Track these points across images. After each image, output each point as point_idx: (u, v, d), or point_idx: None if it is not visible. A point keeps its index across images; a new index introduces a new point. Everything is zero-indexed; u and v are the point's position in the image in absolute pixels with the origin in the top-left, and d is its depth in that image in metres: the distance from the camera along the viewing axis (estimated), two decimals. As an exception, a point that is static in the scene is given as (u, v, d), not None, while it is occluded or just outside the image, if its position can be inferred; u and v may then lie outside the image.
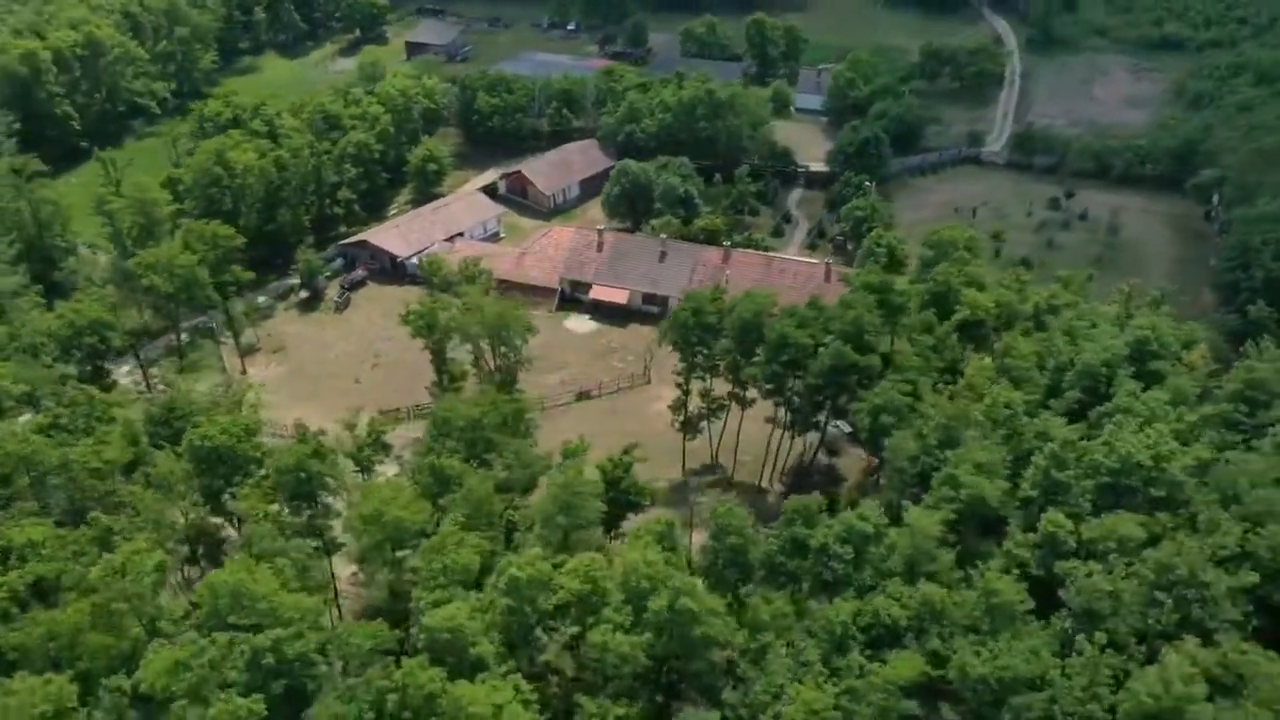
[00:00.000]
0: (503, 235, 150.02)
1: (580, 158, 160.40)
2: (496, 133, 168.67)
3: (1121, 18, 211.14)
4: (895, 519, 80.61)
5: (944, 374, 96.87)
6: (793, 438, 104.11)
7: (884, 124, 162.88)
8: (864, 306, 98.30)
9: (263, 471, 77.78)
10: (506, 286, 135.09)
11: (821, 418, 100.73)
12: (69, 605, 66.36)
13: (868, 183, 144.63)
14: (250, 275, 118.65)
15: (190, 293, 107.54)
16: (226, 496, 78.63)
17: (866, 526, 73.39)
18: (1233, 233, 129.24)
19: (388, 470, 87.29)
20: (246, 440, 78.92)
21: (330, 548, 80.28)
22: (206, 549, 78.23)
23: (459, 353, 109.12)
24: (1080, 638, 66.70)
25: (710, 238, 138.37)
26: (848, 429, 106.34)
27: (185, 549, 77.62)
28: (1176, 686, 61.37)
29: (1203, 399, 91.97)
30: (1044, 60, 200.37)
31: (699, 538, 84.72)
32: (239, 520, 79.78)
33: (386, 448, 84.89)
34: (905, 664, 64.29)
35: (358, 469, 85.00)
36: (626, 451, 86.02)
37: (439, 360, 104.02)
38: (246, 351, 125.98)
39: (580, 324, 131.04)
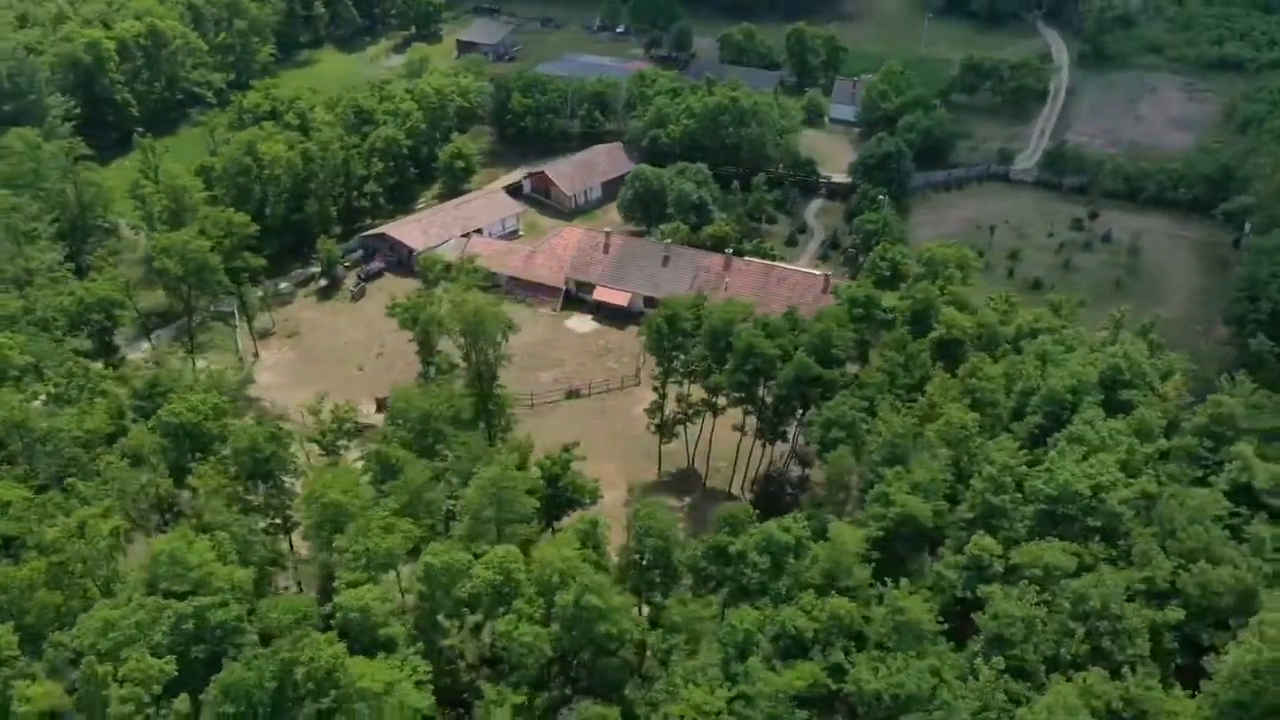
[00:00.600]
0: (521, 233, 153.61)
1: (605, 160, 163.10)
2: (529, 132, 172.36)
3: (1180, 35, 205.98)
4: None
5: (912, 391, 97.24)
6: (764, 446, 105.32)
7: (912, 137, 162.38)
8: (834, 320, 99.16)
9: (225, 450, 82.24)
10: (515, 284, 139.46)
11: (789, 428, 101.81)
12: (26, 563, 71.36)
13: (881, 196, 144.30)
14: (263, 262, 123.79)
15: (201, 277, 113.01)
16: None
17: (787, 538, 74.70)
18: (1246, 263, 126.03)
19: (353, 455, 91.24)
20: (214, 419, 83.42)
21: (290, 526, 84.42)
22: (174, 519, 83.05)
23: (453, 346, 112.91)
24: (978, 661, 67.15)
25: (718, 244, 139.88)
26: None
27: (156, 518, 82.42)
28: (1059, 717, 61.62)
29: (1171, 431, 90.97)
30: (1093, 77, 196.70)
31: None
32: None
33: (350, 433, 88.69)
34: (797, 673, 65.54)
35: (324, 452, 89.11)
36: (566, 449, 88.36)
37: (425, 352, 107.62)
38: (262, 335, 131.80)
39: (581, 324, 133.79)
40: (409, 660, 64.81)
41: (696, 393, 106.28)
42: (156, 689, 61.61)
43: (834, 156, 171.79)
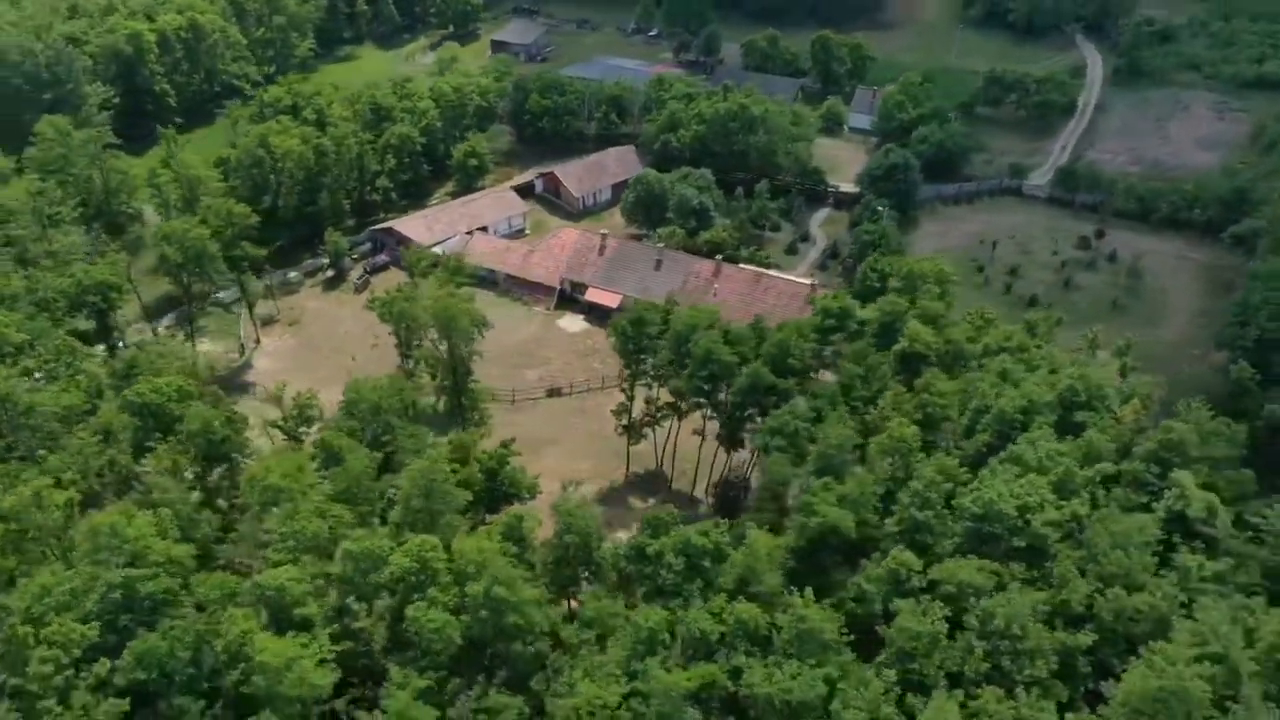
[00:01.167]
0: (528, 232, 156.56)
1: (616, 163, 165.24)
2: (546, 133, 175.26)
3: (1220, 52, 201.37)
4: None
5: (868, 404, 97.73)
6: (726, 451, 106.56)
7: (925, 149, 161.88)
8: (794, 331, 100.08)
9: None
10: (513, 282, 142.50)
11: (747, 435, 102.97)
12: (-21, 530, 75.89)
13: (879, 207, 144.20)
14: (262, 252, 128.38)
15: (200, 264, 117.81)
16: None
17: (704, 542, 76.17)
18: (1240, 288, 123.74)
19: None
20: (177, 401, 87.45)
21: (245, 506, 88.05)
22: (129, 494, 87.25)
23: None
24: (870, 673, 68.01)
25: (714, 250, 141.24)
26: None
27: (115, 492, 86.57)
28: (938, 732, 62.40)
29: (1125, 455, 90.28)
30: (1125, 93, 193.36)
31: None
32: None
33: (310, 420, 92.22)
34: (689, 674, 67.06)
35: (286, 437, 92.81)
36: (504, 445, 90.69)
37: (404, 346, 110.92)
38: (266, 321, 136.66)
39: (572, 323, 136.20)
40: (318, 639, 67.73)
41: (665, 396, 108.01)
42: (76, 652, 65.36)
43: (848, 165, 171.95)
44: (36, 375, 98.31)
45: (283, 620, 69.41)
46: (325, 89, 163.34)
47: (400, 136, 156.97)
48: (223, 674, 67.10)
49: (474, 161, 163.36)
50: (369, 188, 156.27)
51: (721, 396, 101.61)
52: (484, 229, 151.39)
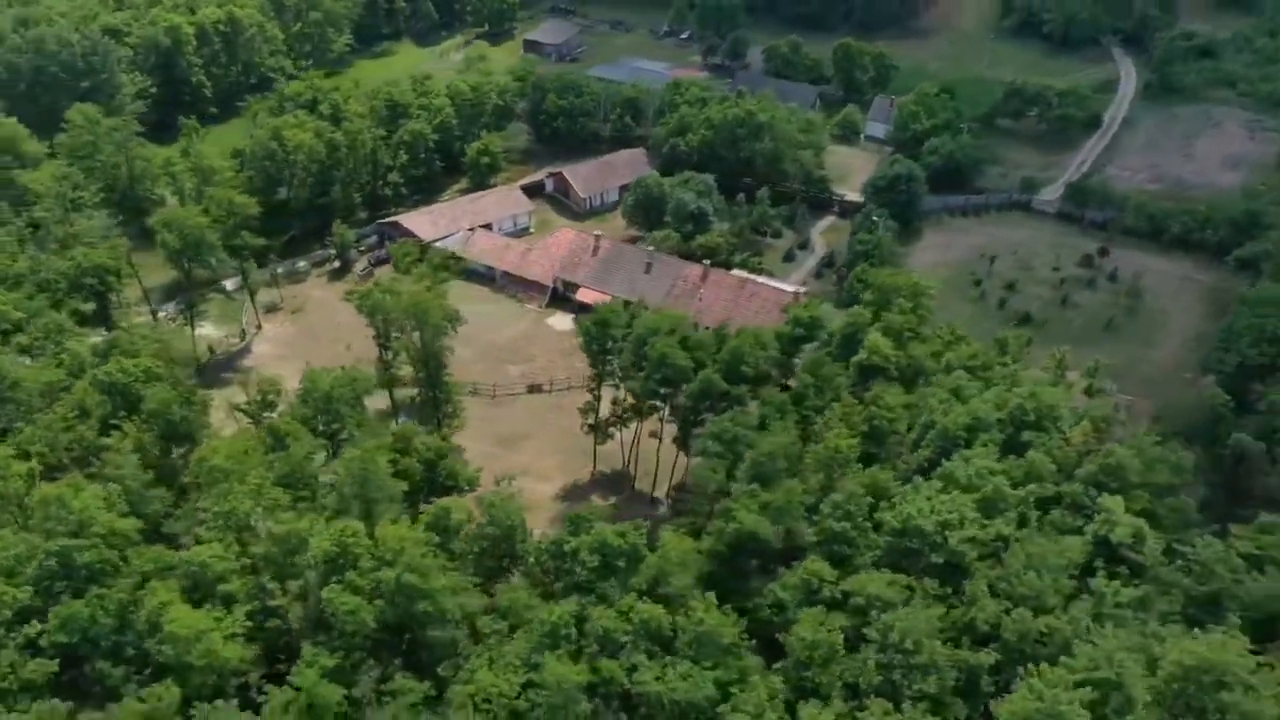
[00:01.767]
0: (532, 230, 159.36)
1: (625, 165, 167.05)
2: (563, 133, 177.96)
3: (1261, 70, 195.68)
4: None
5: (820, 413, 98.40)
6: (686, 455, 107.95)
7: (934, 160, 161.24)
8: (750, 339, 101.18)
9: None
10: (509, 279, 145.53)
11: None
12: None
13: (875, 217, 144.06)
14: (261, 241, 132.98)
15: (199, 251, 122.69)
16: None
17: (620, 542, 77.94)
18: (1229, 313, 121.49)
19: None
20: (143, 382, 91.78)
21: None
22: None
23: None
24: (756, 678, 69.25)
25: (708, 255, 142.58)
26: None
27: (79, 465, 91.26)
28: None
29: (1067, 477, 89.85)
30: (1154, 108, 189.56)
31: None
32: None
33: (273, 405, 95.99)
34: (579, 669, 69.04)
35: (250, 420, 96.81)
36: (444, 438, 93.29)
37: (382, 338, 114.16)
38: (270, 309, 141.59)
39: (561, 322, 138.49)
40: (233, 615, 71.16)
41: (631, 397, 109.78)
42: (7, 614, 69.63)
43: (860, 174, 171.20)
44: (30, 353, 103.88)
45: (205, 595, 72.98)
46: (344, 85, 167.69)
47: (413, 133, 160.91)
48: (145, 642, 70.91)
49: (486, 159, 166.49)
50: (381, 182, 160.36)
51: (679, 400, 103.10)
52: (488, 226, 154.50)
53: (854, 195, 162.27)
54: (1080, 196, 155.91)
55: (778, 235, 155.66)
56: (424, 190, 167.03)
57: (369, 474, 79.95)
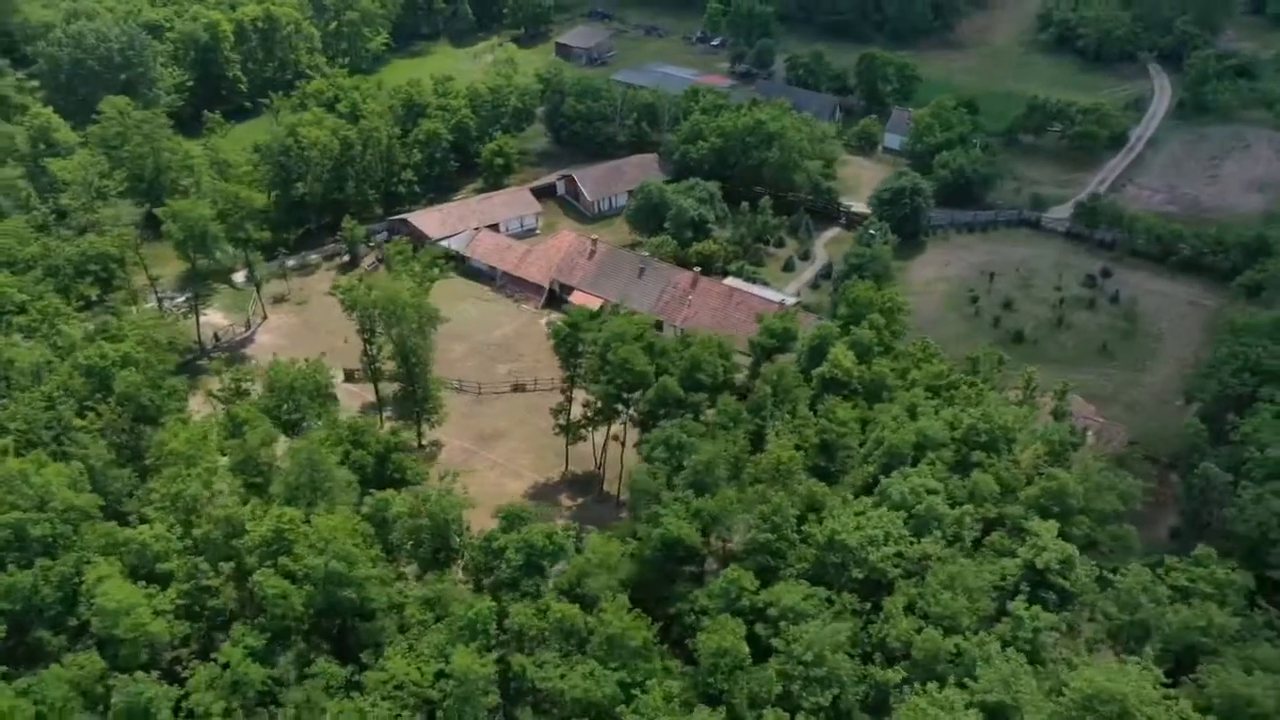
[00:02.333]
0: (539, 232, 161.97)
1: (635, 170, 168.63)
2: (580, 137, 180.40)
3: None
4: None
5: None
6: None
7: (944, 174, 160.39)
8: (708, 348, 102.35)
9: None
10: (509, 279, 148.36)
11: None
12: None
13: (872, 230, 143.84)
14: (266, 235, 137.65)
15: (202, 242, 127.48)
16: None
17: (545, 543, 79.89)
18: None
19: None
20: (119, 366, 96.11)
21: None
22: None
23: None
24: (651, 682, 70.63)
25: (705, 262, 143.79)
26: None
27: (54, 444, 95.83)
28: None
29: (1010, 499, 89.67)
30: (1184, 127, 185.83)
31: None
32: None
33: (245, 393, 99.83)
34: (484, 661, 71.04)
35: (223, 405, 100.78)
36: (394, 432, 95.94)
37: (366, 333, 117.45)
38: (278, 300, 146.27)
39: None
40: (166, 593, 74.67)
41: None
42: (-44, 580, 74.17)
43: (873, 186, 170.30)
44: (32, 334, 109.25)
45: (144, 573, 76.63)
46: (366, 85, 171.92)
47: (428, 132, 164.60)
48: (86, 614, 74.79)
49: (500, 160, 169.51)
50: (395, 180, 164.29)
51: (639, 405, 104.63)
52: (495, 226, 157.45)
53: (861, 207, 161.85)
54: (1090, 216, 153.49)
55: (780, 244, 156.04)
56: (439, 189, 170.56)
57: (316, 464, 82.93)
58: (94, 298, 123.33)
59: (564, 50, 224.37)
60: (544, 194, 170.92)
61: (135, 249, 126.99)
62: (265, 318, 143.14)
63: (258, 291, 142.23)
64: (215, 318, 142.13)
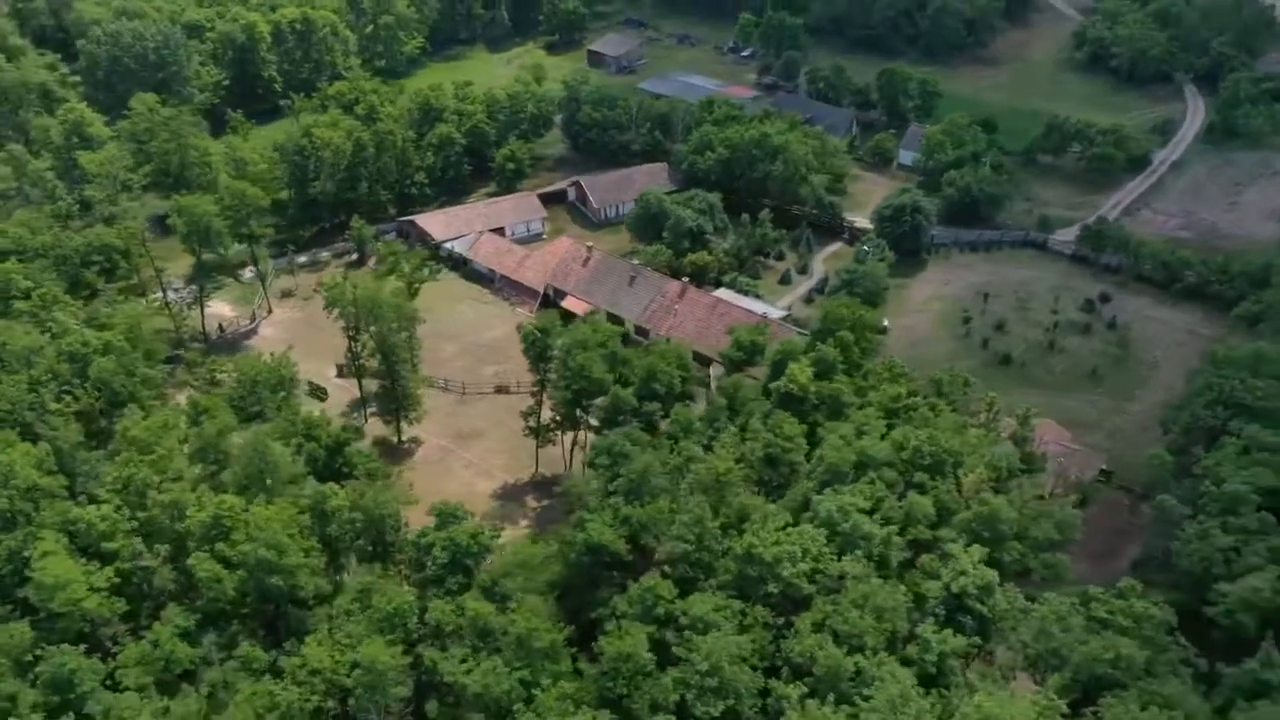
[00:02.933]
0: (545, 237, 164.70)
1: (644, 178, 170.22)
2: (595, 144, 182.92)
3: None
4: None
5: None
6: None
7: (951, 192, 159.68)
8: (665, 359, 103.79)
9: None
10: (507, 283, 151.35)
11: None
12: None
13: (865, 247, 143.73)
14: (269, 231, 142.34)
15: (206, 236, 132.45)
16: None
17: (470, 542, 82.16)
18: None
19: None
20: (100, 354, 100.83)
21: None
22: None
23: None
24: (547, 680, 72.36)
25: (698, 273, 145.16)
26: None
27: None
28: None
29: (943, 523, 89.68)
30: (1210, 152, 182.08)
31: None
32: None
33: (219, 383, 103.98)
34: (393, 653, 73.54)
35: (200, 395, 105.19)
36: (345, 429, 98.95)
37: (352, 331, 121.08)
38: (286, 294, 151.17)
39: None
40: (104, 570, 78.58)
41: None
42: (-86, 550, 79.00)
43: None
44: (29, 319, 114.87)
45: (90, 551, 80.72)
46: (383, 89, 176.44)
47: (441, 136, 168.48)
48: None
49: (512, 165, 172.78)
50: (409, 181, 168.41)
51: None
52: (500, 230, 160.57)
53: (864, 222, 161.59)
54: (1095, 239, 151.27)
55: (781, 258, 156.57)
56: (453, 192, 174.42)
57: (264, 454, 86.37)
58: (99, 287, 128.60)
59: (595, 58, 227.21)
60: (556, 200, 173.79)
61: (141, 241, 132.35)
62: (270, 311, 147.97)
63: (263, 286, 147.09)
64: (224, 310, 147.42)
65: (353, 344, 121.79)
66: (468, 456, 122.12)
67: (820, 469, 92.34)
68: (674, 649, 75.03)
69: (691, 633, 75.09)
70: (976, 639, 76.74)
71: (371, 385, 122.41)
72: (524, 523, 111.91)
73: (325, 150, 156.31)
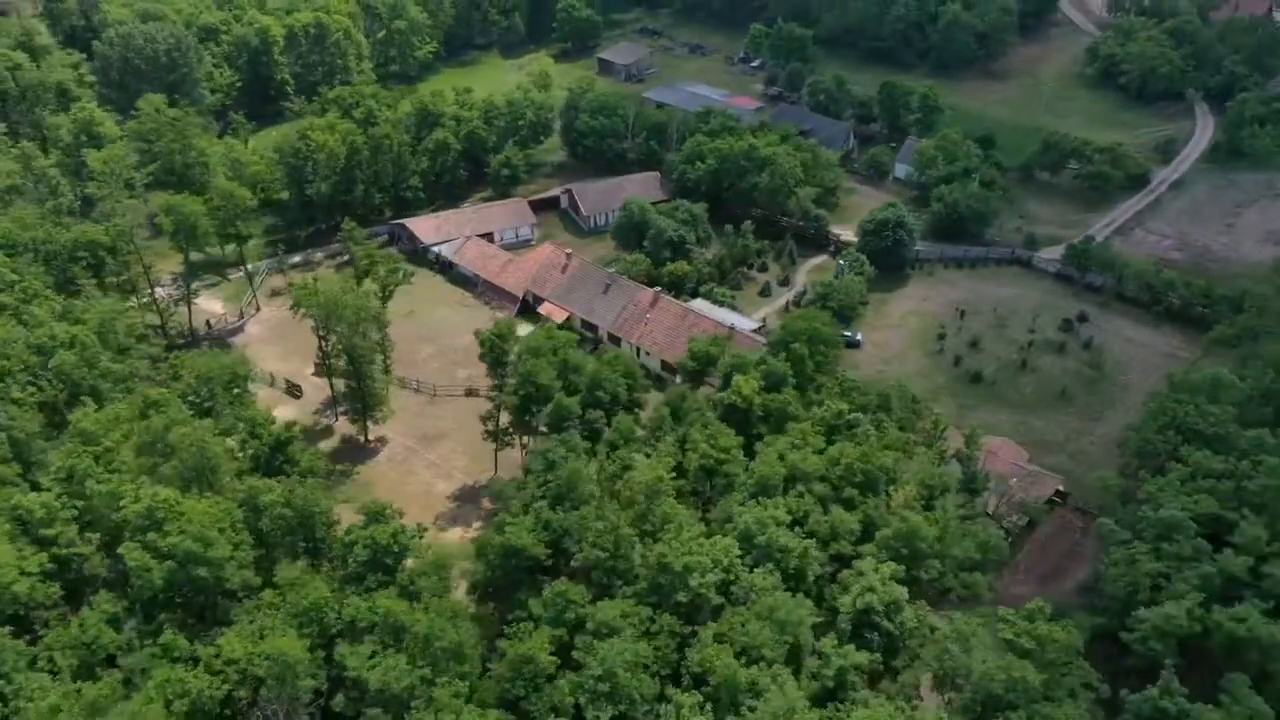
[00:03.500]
0: (534, 243, 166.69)
1: (635, 188, 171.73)
2: (593, 152, 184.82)
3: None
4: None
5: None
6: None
7: (939, 207, 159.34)
8: (612, 368, 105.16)
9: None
10: (489, 287, 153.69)
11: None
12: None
13: (842, 260, 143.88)
14: (254, 230, 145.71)
15: (192, 235, 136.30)
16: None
17: (391, 543, 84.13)
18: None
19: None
20: (68, 347, 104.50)
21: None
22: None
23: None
24: (444, 679, 74.04)
25: (677, 283, 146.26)
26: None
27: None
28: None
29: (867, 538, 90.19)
30: (1213, 172, 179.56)
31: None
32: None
33: (180, 378, 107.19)
34: (301, 646, 75.68)
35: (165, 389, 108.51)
36: (288, 426, 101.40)
37: (321, 331, 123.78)
38: (275, 293, 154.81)
39: (522, 332, 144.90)
40: (36, 556, 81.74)
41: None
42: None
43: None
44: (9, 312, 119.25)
45: (31, 536, 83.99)
46: (383, 94, 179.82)
47: (437, 141, 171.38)
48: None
49: (506, 171, 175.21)
50: (404, 185, 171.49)
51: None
52: (489, 236, 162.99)
53: (852, 235, 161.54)
54: (1080, 258, 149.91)
55: (764, 269, 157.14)
56: (449, 196, 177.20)
57: (202, 449, 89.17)
58: (83, 283, 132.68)
59: (605, 66, 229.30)
60: (550, 206, 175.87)
61: (129, 239, 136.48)
62: (258, 309, 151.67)
63: (250, 284, 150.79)
64: (214, 307, 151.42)
65: (322, 344, 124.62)
66: (430, 457, 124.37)
67: (750, 481, 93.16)
68: (572, 653, 76.32)
69: (594, 638, 76.27)
70: (878, 656, 77.06)
71: (341, 384, 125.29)
72: (477, 524, 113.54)
73: (320, 153, 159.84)
